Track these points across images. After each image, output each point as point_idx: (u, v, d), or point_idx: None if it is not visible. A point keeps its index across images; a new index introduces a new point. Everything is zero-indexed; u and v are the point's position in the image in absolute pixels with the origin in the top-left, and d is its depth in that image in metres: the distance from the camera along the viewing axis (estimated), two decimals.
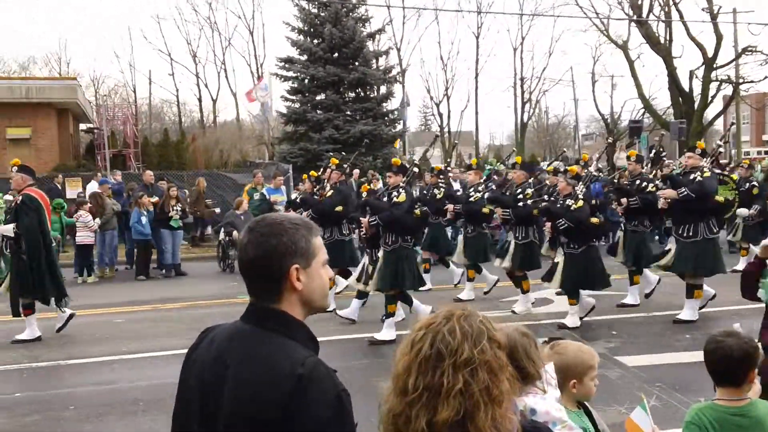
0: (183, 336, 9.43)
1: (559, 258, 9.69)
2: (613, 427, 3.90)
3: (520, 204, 10.48)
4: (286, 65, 27.89)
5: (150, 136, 37.37)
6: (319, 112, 26.70)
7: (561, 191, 9.84)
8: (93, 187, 18.62)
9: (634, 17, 31.13)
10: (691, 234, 9.51)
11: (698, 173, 9.51)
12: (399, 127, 29.63)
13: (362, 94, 27.74)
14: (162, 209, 15.30)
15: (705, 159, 9.87)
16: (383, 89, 28.74)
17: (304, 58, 27.36)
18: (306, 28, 27.45)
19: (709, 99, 31.23)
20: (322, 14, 27.10)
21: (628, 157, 11.52)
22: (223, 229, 15.93)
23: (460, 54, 68.28)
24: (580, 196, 9.42)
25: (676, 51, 31.42)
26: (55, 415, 6.74)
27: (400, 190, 9.20)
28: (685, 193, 9.37)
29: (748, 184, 13.64)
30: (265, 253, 2.00)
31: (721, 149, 11.20)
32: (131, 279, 15.25)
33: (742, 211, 13.40)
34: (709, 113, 32.59)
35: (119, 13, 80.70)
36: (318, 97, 27.24)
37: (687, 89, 31.21)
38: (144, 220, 14.97)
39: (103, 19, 74.91)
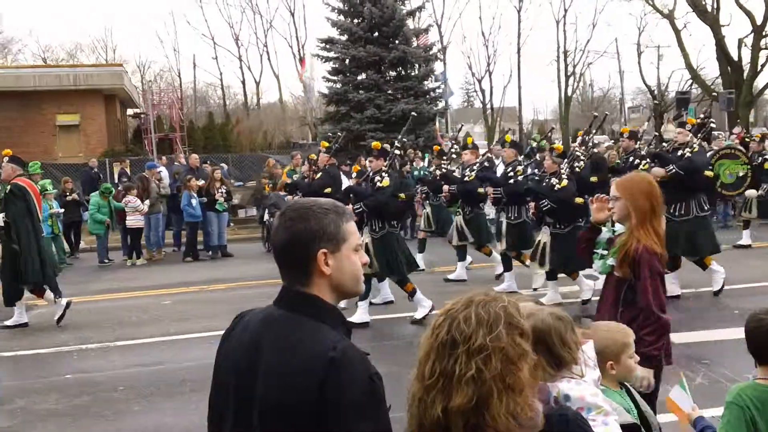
0: (229, 317, 9.41)
1: (544, 237, 9.36)
2: (661, 405, 3.85)
3: (511, 182, 10.13)
4: (327, 46, 27.88)
5: (195, 120, 37.82)
6: (360, 91, 26.66)
7: (547, 169, 9.55)
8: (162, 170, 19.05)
9: None
10: (683, 212, 9.24)
11: (687, 149, 9.24)
12: (441, 104, 29.46)
13: (403, 72, 27.60)
14: (208, 192, 15.51)
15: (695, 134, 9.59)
16: (424, 67, 28.55)
17: (344, 38, 27.31)
18: (346, 8, 27.37)
19: (759, 68, 30.43)
20: None
21: (621, 134, 11.12)
22: (267, 210, 16.08)
23: (502, 29, 67.61)
24: (564, 176, 9.13)
25: (724, 19, 30.70)
26: (105, 396, 6.90)
27: (383, 174, 8.98)
28: (674, 170, 9.10)
29: (760, 158, 13.20)
30: (292, 238, 2.02)
31: (713, 123, 10.70)
32: (178, 261, 15.50)
33: (751, 193, 13.00)
34: (759, 82, 31.78)
35: None
36: (359, 77, 27.20)
37: (736, 58, 30.44)
38: (195, 202, 15.20)
39: (147, 5, 75.81)
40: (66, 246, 15.91)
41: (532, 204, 9.48)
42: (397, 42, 26.91)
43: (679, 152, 9.32)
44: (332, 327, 2.01)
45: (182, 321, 9.72)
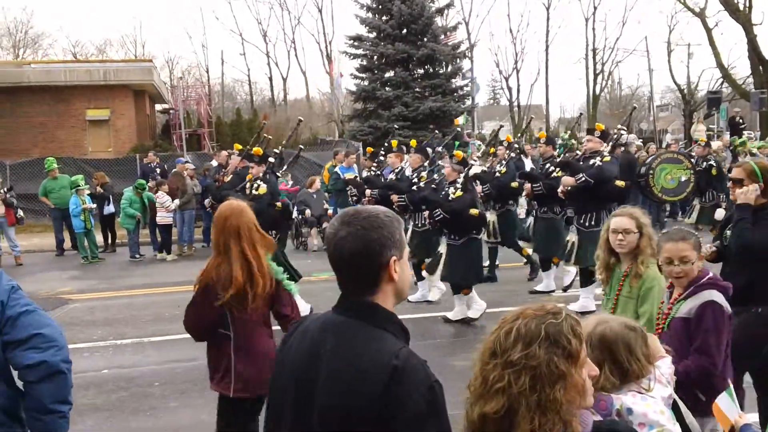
0: None
1: (442, 248, 9.02)
2: None
3: (414, 189, 9.76)
4: (355, 43, 27.95)
5: (223, 116, 38.01)
6: (388, 89, 26.70)
7: (446, 177, 9.24)
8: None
9: None
10: (592, 223, 8.88)
11: (598, 158, 8.96)
12: (468, 102, 29.42)
13: (431, 70, 27.61)
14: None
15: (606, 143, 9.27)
16: (452, 65, 28.52)
17: (372, 35, 27.39)
18: (374, 5, 27.43)
19: None
20: None
21: (539, 139, 10.85)
22: (296, 208, 16.13)
23: (530, 26, 67.54)
24: (459, 186, 8.82)
25: (756, 18, 30.39)
26: (141, 391, 7.01)
27: (259, 182, 8.78)
28: (583, 179, 8.79)
29: (705, 164, 12.83)
30: (368, 246, 2.02)
31: (623, 132, 10.39)
32: (207, 256, 15.57)
33: (720, 212, 12.30)
34: None
35: None
36: (387, 75, 27.25)
37: None
38: None
39: (176, 1, 76.36)
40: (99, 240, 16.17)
41: (426, 213, 9.14)
42: (425, 39, 26.90)
43: (591, 161, 9.03)
44: (393, 334, 2.03)
45: None
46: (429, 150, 11.15)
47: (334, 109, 34.27)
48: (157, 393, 6.94)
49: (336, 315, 2.11)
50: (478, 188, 11.21)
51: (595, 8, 43.00)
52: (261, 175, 8.96)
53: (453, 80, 28.22)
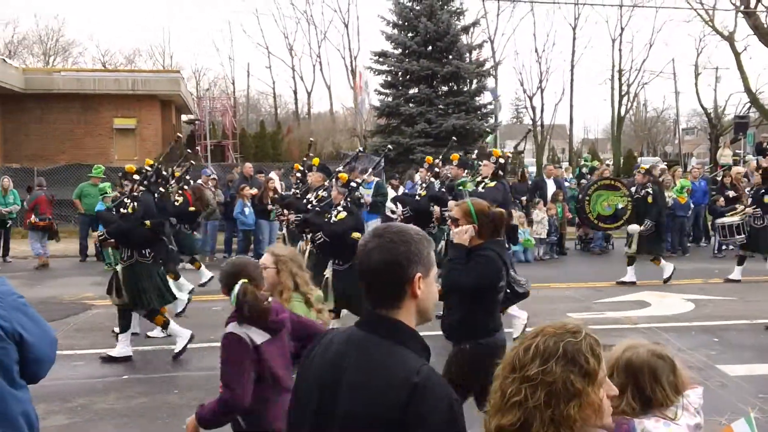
0: None
1: (328, 272, 8.56)
2: None
3: (311, 210, 9.42)
4: (380, 59, 28.06)
5: (247, 127, 38.32)
6: (411, 105, 26.76)
7: (333, 200, 8.96)
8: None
9: (742, 7, 29.90)
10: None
11: (482, 185, 8.67)
12: (491, 120, 29.41)
13: (455, 87, 27.63)
14: (261, 200, 15.72)
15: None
16: (476, 83, 28.54)
17: (398, 51, 27.47)
18: (401, 22, 27.53)
19: None
20: (417, 8, 27.11)
21: (451, 161, 10.39)
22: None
23: (556, 46, 67.31)
24: (341, 209, 8.55)
25: None
26: (160, 398, 7.08)
27: (126, 200, 8.60)
28: None
29: (643, 191, 12.45)
30: (394, 259, 2.06)
31: (509, 156, 10.06)
32: None
33: (633, 228, 12.29)
34: None
35: (220, 8, 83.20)
36: (411, 91, 27.32)
37: None
38: (247, 210, 15.45)
39: (205, 14, 77.33)
40: None
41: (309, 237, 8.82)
42: (450, 57, 26.97)
43: (479, 187, 8.78)
44: (415, 351, 2.06)
45: None
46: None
47: (357, 124, 34.41)
48: (176, 400, 7.00)
49: (359, 330, 2.14)
50: (399, 210, 10.90)
51: (622, 29, 42.73)
52: (135, 193, 8.65)
53: (477, 98, 28.23)
